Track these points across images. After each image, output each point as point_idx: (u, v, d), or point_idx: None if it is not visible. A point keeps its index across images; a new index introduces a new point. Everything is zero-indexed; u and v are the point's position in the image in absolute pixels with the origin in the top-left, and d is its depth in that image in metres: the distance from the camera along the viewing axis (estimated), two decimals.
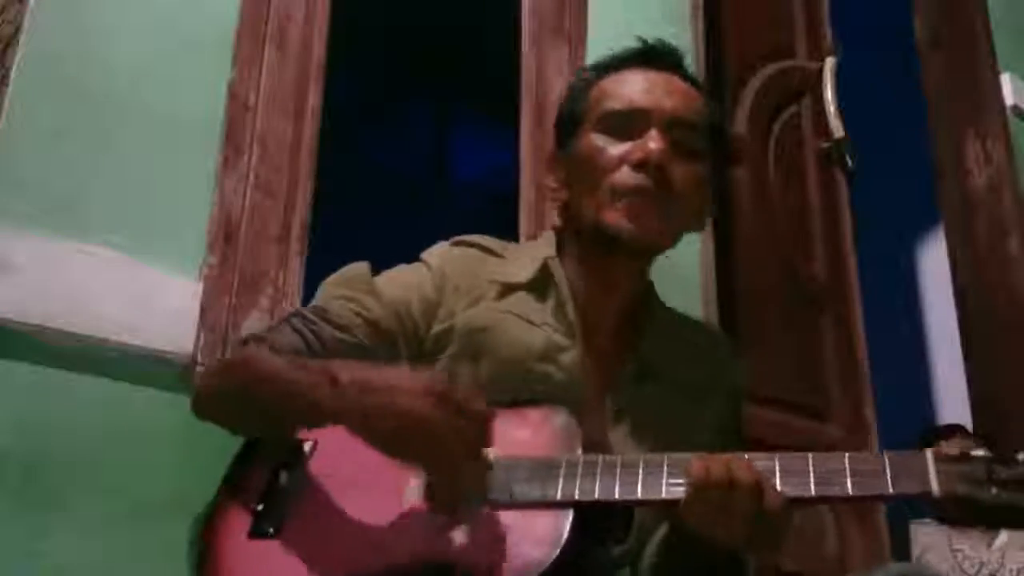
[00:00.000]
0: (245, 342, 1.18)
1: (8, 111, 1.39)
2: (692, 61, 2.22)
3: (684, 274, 2.03)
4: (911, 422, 2.81)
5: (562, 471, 1.02)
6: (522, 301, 1.23)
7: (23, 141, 1.39)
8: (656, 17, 2.21)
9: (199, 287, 1.46)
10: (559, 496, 1.00)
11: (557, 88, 2.01)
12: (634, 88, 1.25)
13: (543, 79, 2.01)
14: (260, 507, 1.08)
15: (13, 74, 1.40)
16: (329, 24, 1.76)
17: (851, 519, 2.22)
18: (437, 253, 1.26)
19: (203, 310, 1.45)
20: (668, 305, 1.35)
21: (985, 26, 2.94)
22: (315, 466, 1.11)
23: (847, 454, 1.00)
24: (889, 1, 3.25)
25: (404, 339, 1.19)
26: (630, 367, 1.23)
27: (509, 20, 2.05)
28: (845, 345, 2.36)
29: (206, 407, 1.17)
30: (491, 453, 1.00)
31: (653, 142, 1.19)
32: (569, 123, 1.28)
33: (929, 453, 1.00)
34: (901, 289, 3.96)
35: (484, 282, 1.23)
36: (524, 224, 1.85)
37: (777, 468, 0.99)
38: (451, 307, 1.20)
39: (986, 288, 2.72)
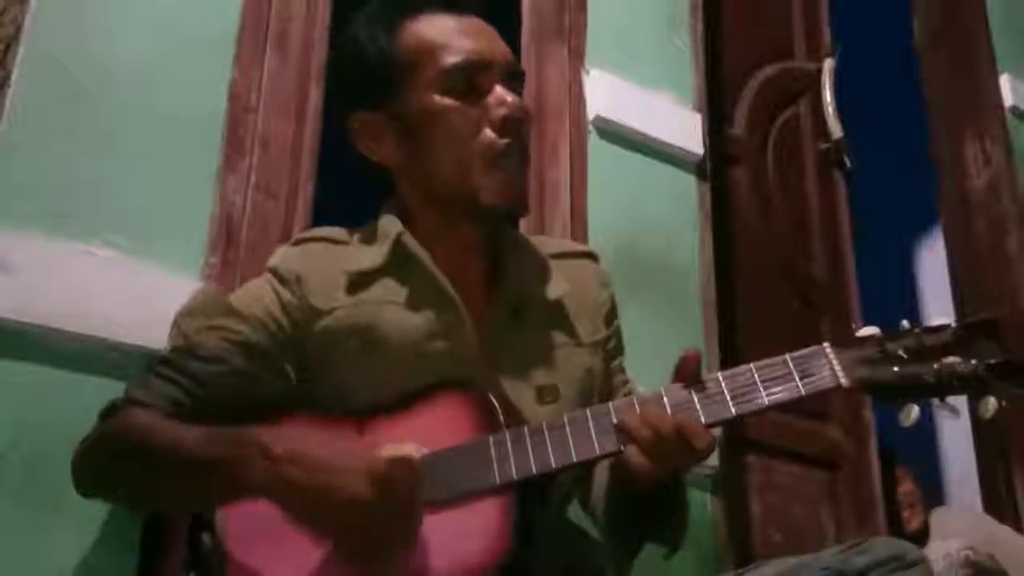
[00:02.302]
0: (114, 407, 1.09)
1: (9, 112, 1.39)
2: (692, 61, 2.23)
3: (684, 274, 2.03)
4: None
5: (493, 453, 1.01)
6: (388, 288, 1.16)
7: (24, 142, 1.39)
8: (656, 17, 2.22)
9: (200, 287, 1.46)
10: (498, 480, 0.99)
11: (557, 88, 2.02)
12: (463, 38, 1.16)
13: (543, 79, 2.01)
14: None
15: (14, 75, 1.40)
16: (330, 24, 1.77)
17: (851, 521, 2.22)
18: (281, 256, 1.20)
19: None
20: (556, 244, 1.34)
21: (985, 26, 2.95)
22: (237, 516, 1.02)
23: (752, 365, 1.03)
24: (889, 1, 3.25)
25: (281, 349, 1.13)
26: (501, 310, 1.18)
27: (509, 20, 2.05)
28: None
29: (92, 485, 1.10)
30: (417, 452, 0.97)
31: (508, 97, 1.15)
32: (385, 77, 1.17)
33: (827, 346, 1.03)
34: (900, 289, 3.96)
35: (337, 273, 1.16)
36: (524, 222, 1.85)
37: (695, 398, 1.02)
38: (315, 305, 1.14)
39: (986, 288, 2.72)
